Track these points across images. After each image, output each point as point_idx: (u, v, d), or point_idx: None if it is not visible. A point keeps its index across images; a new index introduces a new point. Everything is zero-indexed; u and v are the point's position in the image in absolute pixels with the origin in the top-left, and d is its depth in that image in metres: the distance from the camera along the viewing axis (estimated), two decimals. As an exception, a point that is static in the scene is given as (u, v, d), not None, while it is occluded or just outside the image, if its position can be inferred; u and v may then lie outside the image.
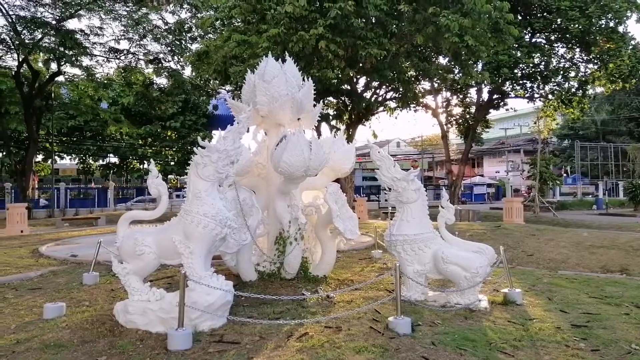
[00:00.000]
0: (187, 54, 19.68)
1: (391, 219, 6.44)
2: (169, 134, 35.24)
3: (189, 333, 4.42)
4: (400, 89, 16.92)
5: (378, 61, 13.17)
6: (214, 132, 38.66)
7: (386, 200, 36.36)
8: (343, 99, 17.15)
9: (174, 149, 35.97)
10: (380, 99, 18.25)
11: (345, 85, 16.99)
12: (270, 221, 7.02)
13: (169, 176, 38.39)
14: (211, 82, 18.08)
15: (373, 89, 17.83)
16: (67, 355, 4.25)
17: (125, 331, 4.86)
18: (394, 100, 18.75)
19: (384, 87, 17.60)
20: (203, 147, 5.13)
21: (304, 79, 7.40)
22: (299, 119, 7.28)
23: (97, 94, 22.15)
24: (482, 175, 52.81)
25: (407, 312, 5.05)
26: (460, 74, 16.19)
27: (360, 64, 13.85)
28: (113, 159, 38.18)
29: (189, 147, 36.06)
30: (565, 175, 46.36)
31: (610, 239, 10.08)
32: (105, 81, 24.34)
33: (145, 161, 37.46)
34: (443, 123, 27.94)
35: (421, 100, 22.82)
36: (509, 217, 15.25)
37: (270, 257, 6.70)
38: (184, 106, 32.84)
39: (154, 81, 23.57)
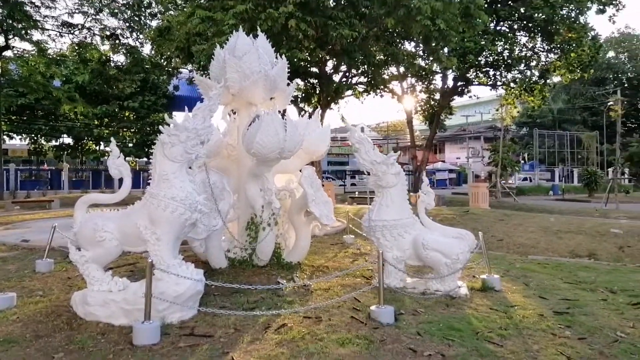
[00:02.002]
0: (147, 30, 18.73)
1: (357, 204, 6.21)
2: (126, 114, 33.82)
3: (157, 326, 4.05)
4: (369, 73, 16.66)
5: (348, 43, 12.83)
6: (174, 113, 37.59)
7: (352, 185, 36.29)
8: (312, 81, 16.76)
9: (132, 130, 34.59)
10: (349, 82, 17.94)
11: (313, 68, 16.59)
12: (241, 205, 6.66)
13: (127, 158, 36.98)
14: (173, 61, 17.26)
15: (342, 72, 17.49)
16: (19, 352, 3.81)
17: (84, 324, 4.44)
18: (363, 85, 18.48)
19: (353, 70, 17.30)
20: (170, 125, 4.71)
21: (276, 57, 7.01)
22: (271, 98, 6.90)
23: (49, 70, 20.81)
24: (443, 161, 53.68)
25: (388, 300, 4.84)
26: (430, 60, 16.05)
27: (330, 46, 13.48)
28: (67, 140, 36.40)
29: (148, 129, 34.82)
30: (522, 162, 47.64)
31: (576, 225, 10.23)
32: (58, 57, 22.95)
33: (101, 142, 35.87)
34: (408, 109, 27.97)
35: (388, 85, 22.66)
36: (475, 202, 15.38)
37: (242, 243, 6.34)
38: (142, 86, 31.51)
39: (111, 58, 22.38)
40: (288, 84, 7.08)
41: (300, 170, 6.85)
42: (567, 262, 7.83)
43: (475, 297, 5.44)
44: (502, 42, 26.12)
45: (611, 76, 51.30)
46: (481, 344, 3.98)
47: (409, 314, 4.73)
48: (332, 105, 18.00)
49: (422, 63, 20.66)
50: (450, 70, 26.75)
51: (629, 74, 51.74)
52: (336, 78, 17.14)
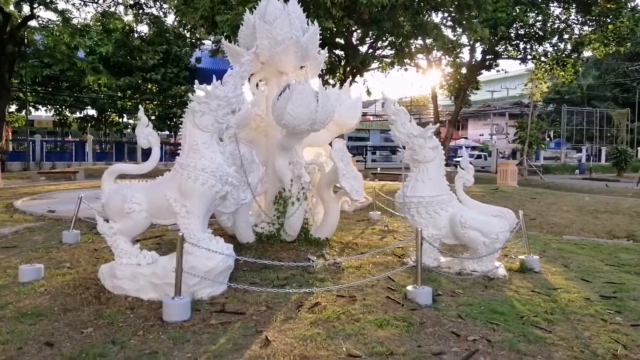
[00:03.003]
0: (171, -1, 18.43)
1: (379, 180, 5.95)
2: (149, 86, 33.80)
3: (187, 302, 3.92)
4: (397, 44, 16.13)
5: (377, 12, 12.35)
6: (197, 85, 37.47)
7: (373, 160, 35.89)
8: (337, 53, 16.31)
9: (155, 103, 34.62)
10: (375, 53, 17.44)
11: (339, 39, 16.13)
12: (269, 179, 6.46)
13: (149, 131, 37.13)
14: (198, 31, 16.94)
15: (368, 44, 16.99)
16: (47, 326, 3.71)
17: (112, 298, 4.33)
18: (389, 57, 17.96)
19: (380, 41, 16.77)
20: (201, 93, 4.49)
21: (307, 23, 6.69)
22: (302, 67, 6.62)
23: (74, 41, 20.73)
24: (466, 138, 52.70)
25: (423, 280, 4.60)
26: (461, 30, 15.45)
27: (358, 15, 13.01)
28: (91, 112, 36.64)
29: (170, 101, 34.81)
30: (548, 139, 46.46)
31: (613, 204, 9.82)
32: (82, 28, 22.83)
33: (124, 114, 36.09)
34: (433, 83, 27.30)
35: (414, 58, 22.05)
36: (503, 179, 14.96)
37: (270, 218, 6.17)
38: (165, 58, 31.27)
39: (135, 29, 22.17)
40: (319, 52, 6.77)
41: (330, 144, 6.62)
42: (605, 243, 7.49)
43: (514, 279, 5.20)
44: (534, 14, 25.13)
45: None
46: (528, 329, 3.76)
47: (447, 295, 4.52)
48: (357, 78, 17.57)
49: (451, 35, 19.95)
50: (479, 43, 25.94)
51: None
52: (362, 50, 16.66)
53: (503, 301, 4.40)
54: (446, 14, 19.21)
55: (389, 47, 17.52)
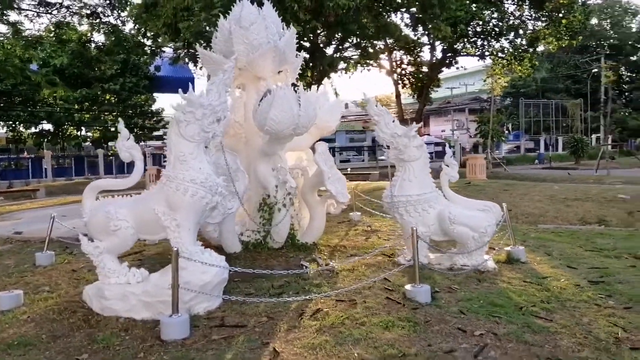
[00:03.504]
0: (130, 7, 17.90)
1: (350, 180, 5.95)
2: (107, 97, 32.83)
3: (186, 319, 3.78)
4: (362, 45, 16.26)
5: (343, 14, 12.39)
6: (156, 94, 36.63)
7: (341, 161, 36.02)
8: (304, 56, 16.25)
9: (115, 114, 33.63)
10: (341, 55, 17.50)
11: (305, 42, 16.09)
12: (251, 186, 6.34)
13: (110, 143, 36.12)
14: (161, 38, 16.55)
15: (334, 46, 17.04)
16: (38, 356, 3.51)
17: (103, 320, 4.14)
18: (354, 58, 18.05)
19: (345, 42, 16.84)
20: (186, 101, 4.36)
21: (283, 27, 6.63)
22: (279, 72, 6.55)
23: (27, 53, 19.93)
24: (428, 135, 53.58)
25: (422, 277, 4.60)
26: (425, 30, 15.68)
27: (324, 18, 13.01)
28: (47, 126, 35.26)
29: (130, 112, 33.90)
30: (507, 132, 47.76)
31: (581, 192, 10.16)
32: (35, 40, 21.94)
33: (82, 127, 34.88)
34: (396, 82, 27.64)
35: (378, 58, 22.26)
36: (472, 173, 15.26)
37: (259, 226, 6.06)
38: (123, 67, 30.53)
39: (92, 39, 21.47)
40: (296, 56, 6.72)
41: (311, 148, 6.58)
42: (580, 230, 7.74)
43: (503, 270, 5.28)
44: (489, 11, 25.84)
45: (594, 44, 51.37)
46: (529, 319, 3.81)
47: (444, 291, 4.54)
48: (325, 80, 17.57)
49: (412, 35, 20.22)
50: (439, 42, 26.45)
51: (611, 40, 51.88)
52: (328, 52, 16.68)
53: (499, 293, 4.46)
54: (407, 15, 19.56)
55: (354, 48, 17.62)
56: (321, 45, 15.04)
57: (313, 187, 6.38)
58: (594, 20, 50.96)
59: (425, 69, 28.01)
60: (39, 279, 5.59)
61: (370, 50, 16.47)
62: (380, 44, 21.74)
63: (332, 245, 6.57)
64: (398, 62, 27.83)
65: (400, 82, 28.02)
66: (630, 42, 52.84)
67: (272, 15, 6.44)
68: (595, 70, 43.92)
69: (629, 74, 53.37)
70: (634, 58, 54.13)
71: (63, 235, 7.37)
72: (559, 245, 6.59)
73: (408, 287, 4.38)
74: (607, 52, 48.30)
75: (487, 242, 5.38)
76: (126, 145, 4.58)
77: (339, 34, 14.76)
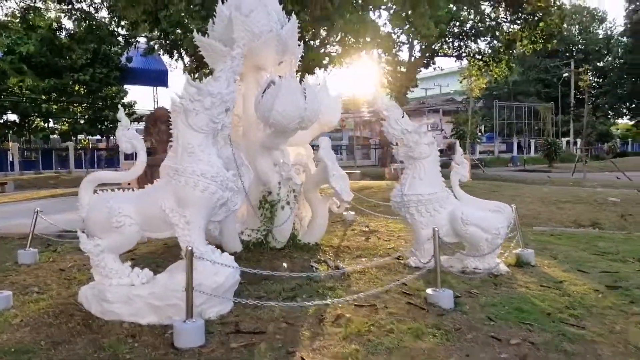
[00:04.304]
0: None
1: None
2: (77, 88, 31.63)
3: (202, 325, 3.48)
4: (346, 41, 16.10)
5: (330, 5, 12.17)
6: (128, 86, 35.53)
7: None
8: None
9: (84, 106, 32.48)
10: (326, 50, 17.29)
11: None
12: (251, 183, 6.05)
13: (79, 136, 34.92)
14: (140, 27, 15.95)
15: (320, 39, 16.80)
16: (40, 366, 3.16)
17: (105, 325, 3.80)
18: (337, 54, 17.87)
19: (331, 37, 16.64)
20: (192, 90, 4.04)
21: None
22: (280, 62, 6.26)
23: (-8, 39, 18.95)
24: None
25: (432, 281, 4.41)
26: (413, 28, 15.62)
27: (311, 10, 12.75)
28: (12, 117, 33.74)
29: (100, 103, 32.79)
30: (479, 133, 48.49)
31: (572, 194, 10.23)
32: (1, 25, 20.89)
33: (50, 119, 33.52)
34: (376, 81, 27.62)
35: (360, 56, 22.10)
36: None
37: (264, 225, 5.76)
38: (93, 57, 29.46)
39: (63, 26, 20.55)
40: (298, 45, 6.44)
41: (313, 145, 6.33)
42: (579, 233, 7.73)
43: (516, 274, 5.16)
44: (466, 12, 26.11)
45: (563, 49, 52.67)
46: (561, 327, 3.67)
47: (465, 296, 4.37)
48: (307, 76, 17.29)
49: (396, 32, 20.16)
50: (417, 41, 26.56)
51: (579, 46, 53.36)
52: (314, 46, 16.44)
53: (521, 299, 4.31)
54: (388, 13, 19.45)
55: (339, 44, 17.43)
56: (307, 39, 14.79)
57: (316, 184, 6.12)
58: (563, 25, 52.32)
59: (403, 68, 28.08)
60: (25, 278, 5.16)
61: (354, 46, 16.29)
62: (363, 41, 21.61)
63: (335, 246, 6.34)
64: (379, 61, 27.81)
65: (379, 81, 28.00)
66: (597, 49, 54.49)
67: (273, 2, 6.15)
68: (566, 74, 45.02)
69: (596, 79, 54.98)
70: (600, 64, 55.86)
71: (43, 231, 6.91)
72: (561, 248, 6.52)
73: (429, 291, 4.19)
74: (576, 58, 49.67)
75: (500, 245, 5.25)
76: (127, 135, 4.22)
77: (325, 29, 14.55)
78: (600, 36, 56.69)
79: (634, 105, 53.40)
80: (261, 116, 5.39)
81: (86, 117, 32.86)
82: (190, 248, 3.55)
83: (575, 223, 8.69)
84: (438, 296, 4.09)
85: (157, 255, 6.04)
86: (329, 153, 5.89)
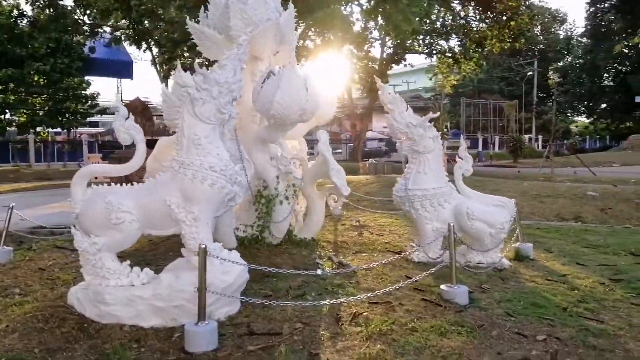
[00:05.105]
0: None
1: None
2: (36, 78, 30.17)
3: (215, 327, 3.26)
4: (326, 35, 15.92)
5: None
6: (91, 77, 34.19)
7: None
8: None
9: (44, 97, 31.04)
10: (305, 44, 17.07)
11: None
12: (245, 176, 5.81)
13: (38, 128, 33.37)
14: (112, 15, 15.28)
15: (299, 33, 16.58)
16: (38, 377, 2.87)
17: (103, 329, 3.52)
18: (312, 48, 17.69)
19: (309, 31, 16.42)
20: (198, 78, 3.79)
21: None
22: (276, 52, 6.03)
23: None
24: (371, 130, 54.23)
25: (436, 276, 4.30)
26: (390, 22, 15.58)
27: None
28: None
29: (61, 95, 31.43)
30: (446, 130, 49.26)
31: (552, 189, 10.41)
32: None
33: (7, 111, 31.89)
34: (348, 77, 27.54)
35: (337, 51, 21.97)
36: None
37: (260, 220, 5.53)
38: (55, 47, 28.14)
39: (25, 12, 19.50)
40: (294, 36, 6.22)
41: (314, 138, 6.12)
42: (565, 226, 7.84)
43: (518, 268, 5.13)
44: (437, 10, 26.31)
45: (525, 48, 54.02)
46: (581, 321, 3.63)
47: (478, 291, 4.29)
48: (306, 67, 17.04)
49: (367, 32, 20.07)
50: (388, 38, 26.63)
51: (541, 46, 54.83)
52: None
53: (533, 293, 4.27)
54: (364, 7, 19.38)
55: (318, 38, 17.24)
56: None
57: (313, 178, 5.94)
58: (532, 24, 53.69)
59: (375, 64, 28.12)
60: (3, 279, 4.76)
61: (332, 39, 16.15)
62: (335, 36, 21.49)
63: (332, 242, 6.18)
64: (349, 56, 27.74)
65: (351, 76, 27.95)
66: (557, 49, 56.18)
67: (270, -11, 5.91)
68: (530, 73, 46.18)
69: (556, 78, 56.65)
70: (560, 64, 57.67)
71: (13, 228, 6.44)
72: (553, 242, 6.57)
73: (444, 287, 4.08)
74: (538, 57, 51.04)
75: (503, 239, 5.21)
76: (125, 126, 3.92)
77: (302, 22, 14.34)
78: (561, 37, 58.46)
79: (591, 104, 55.44)
80: (261, 108, 5.16)
81: (46, 108, 31.44)
82: (203, 246, 3.31)
83: (559, 217, 8.83)
84: (453, 292, 3.99)
85: (143, 252, 5.71)
86: (328, 147, 5.71)
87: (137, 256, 5.46)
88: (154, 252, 5.59)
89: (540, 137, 48.93)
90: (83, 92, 33.13)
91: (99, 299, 3.64)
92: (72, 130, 34.57)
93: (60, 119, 32.00)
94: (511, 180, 12.91)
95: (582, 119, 62.37)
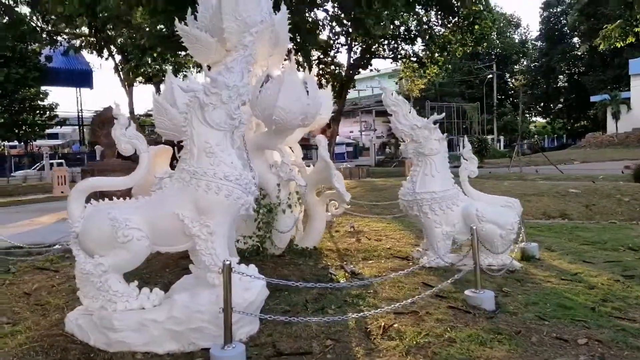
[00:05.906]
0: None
1: None
2: (-11, 90, 28.74)
3: (243, 350, 3.00)
4: (300, 40, 15.75)
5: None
6: (48, 88, 32.82)
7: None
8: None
9: (-1, 109, 29.63)
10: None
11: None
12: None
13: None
14: (77, 21, 14.60)
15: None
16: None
17: (113, 358, 3.21)
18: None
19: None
20: (210, 81, 3.54)
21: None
22: (270, 55, 5.80)
23: None
24: (338, 135, 54.40)
25: (455, 281, 4.17)
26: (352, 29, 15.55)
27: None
28: None
29: (17, 106, 30.06)
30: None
31: (534, 188, 10.53)
32: None
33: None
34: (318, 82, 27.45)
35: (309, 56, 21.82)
36: (409, 172, 15.36)
37: (261, 231, 5.25)
38: (9, 56, 26.89)
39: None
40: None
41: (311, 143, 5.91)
42: (555, 224, 7.89)
43: (529, 269, 5.07)
44: (403, 15, 26.56)
45: (482, 51, 55.48)
46: (615, 322, 3.56)
47: (499, 295, 4.17)
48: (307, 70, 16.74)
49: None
50: (355, 43, 26.75)
51: (498, 50, 56.39)
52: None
53: (555, 294, 4.19)
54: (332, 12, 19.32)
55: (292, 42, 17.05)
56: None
57: (313, 185, 5.72)
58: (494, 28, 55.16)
59: (341, 69, 28.15)
60: (-16, 307, 4.33)
61: (307, 46, 16.00)
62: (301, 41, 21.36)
63: (334, 250, 5.96)
64: (317, 62, 27.66)
65: (319, 81, 27.86)
66: (513, 52, 57.94)
67: (264, -10, 5.69)
68: (490, 75, 47.40)
69: (513, 81, 58.54)
70: (517, 67, 59.56)
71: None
72: (550, 240, 6.57)
73: (469, 293, 3.95)
74: (494, 60, 52.52)
75: (513, 240, 5.14)
76: (127, 135, 3.61)
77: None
78: (516, 40, 60.35)
79: (548, 105, 57.44)
80: (262, 113, 4.92)
81: (1, 121, 29.98)
82: (228, 262, 3.05)
83: (545, 215, 8.90)
84: (480, 298, 3.86)
85: (138, 270, 5.33)
86: (327, 152, 5.51)
87: (131, 274, 5.10)
88: (149, 270, 5.21)
89: (502, 137, 50.30)
90: (40, 102, 31.84)
91: (107, 325, 3.31)
92: (29, 142, 33.11)
93: (16, 131, 30.62)
94: (491, 180, 13.04)
95: (540, 119, 64.48)
